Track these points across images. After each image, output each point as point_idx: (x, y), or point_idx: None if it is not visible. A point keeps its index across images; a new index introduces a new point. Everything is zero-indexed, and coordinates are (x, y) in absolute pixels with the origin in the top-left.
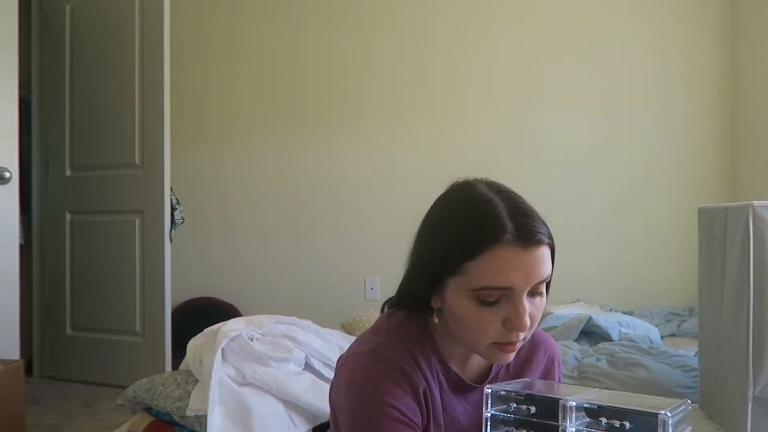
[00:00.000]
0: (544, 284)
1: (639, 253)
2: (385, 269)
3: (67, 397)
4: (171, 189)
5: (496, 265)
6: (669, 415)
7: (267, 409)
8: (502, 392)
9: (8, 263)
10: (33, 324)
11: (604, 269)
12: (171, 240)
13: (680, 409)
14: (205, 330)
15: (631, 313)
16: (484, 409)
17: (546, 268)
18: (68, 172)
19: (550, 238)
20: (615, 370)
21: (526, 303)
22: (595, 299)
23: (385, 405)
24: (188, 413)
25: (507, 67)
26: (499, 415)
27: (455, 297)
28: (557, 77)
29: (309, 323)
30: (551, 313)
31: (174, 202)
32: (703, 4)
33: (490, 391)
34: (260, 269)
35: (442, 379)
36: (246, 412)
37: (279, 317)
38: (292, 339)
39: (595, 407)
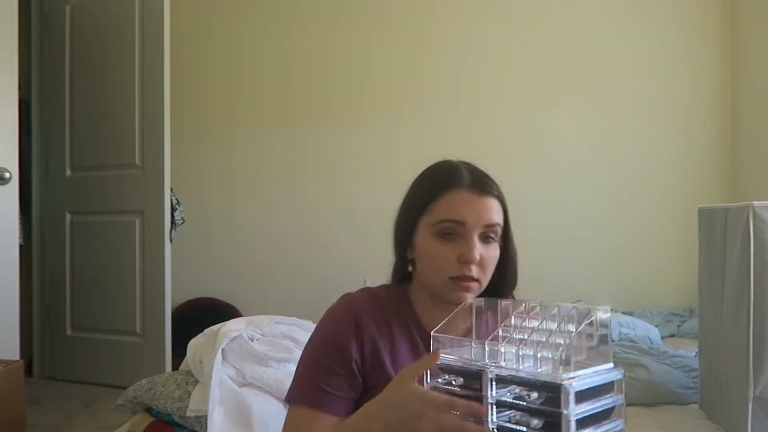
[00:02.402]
0: (496, 235)
1: (639, 253)
2: (386, 269)
3: (67, 398)
4: (171, 189)
5: (453, 203)
6: (573, 386)
7: (267, 410)
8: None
9: (8, 263)
10: (33, 324)
11: (604, 269)
12: (171, 240)
13: (600, 375)
14: (206, 330)
15: (631, 314)
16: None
17: (495, 215)
18: (68, 173)
19: (503, 200)
20: None
21: (478, 244)
22: (595, 299)
23: (328, 339)
24: (188, 413)
25: (510, 67)
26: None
27: (422, 236)
28: (557, 77)
29: (309, 323)
30: None
31: (174, 202)
32: (703, 5)
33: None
34: (260, 270)
35: (419, 341)
36: (246, 413)
37: (279, 317)
38: (293, 339)
39: (508, 376)
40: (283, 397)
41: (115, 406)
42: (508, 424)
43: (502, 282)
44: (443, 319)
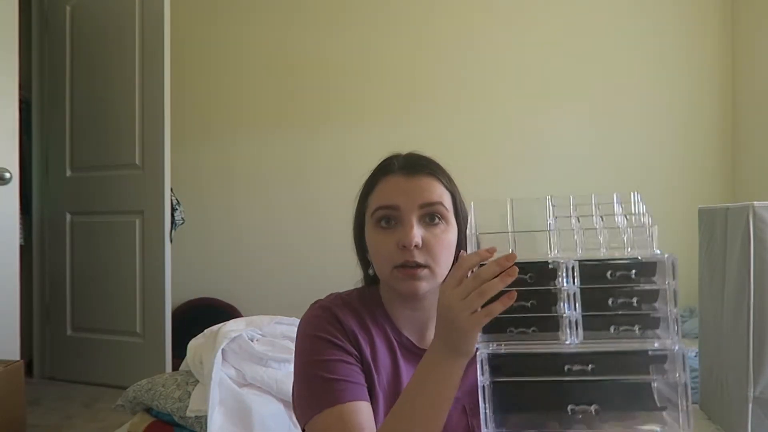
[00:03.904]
0: (443, 216)
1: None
2: None
3: (68, 398)
4: (171, 190)
5: (385, 190)
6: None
7: (267, 410)
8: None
9: (8, 264)
10: (33, 325)
11: None
12: (171, 241)
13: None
14: (206, 331)
15: None
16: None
17: (432, 194)
18: (68, 173)
19: (446, 180)
20: None
21: (418, 227)
22: None
23: (318, 338)
24: (188, 414)
25: (510, 68)
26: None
27: (367, 232)
28: (557, 78)
29: None
30: None
31: (174, 202)
32: (703, 5)
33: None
34: (260, 270)
35: (395, 344)
36: (246, 413)
37: (279, 318)
38: (293, 339)
39: (595, 261)
40: (282, 397)
41: (115, 406)
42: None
43: None
44: (414, 318)
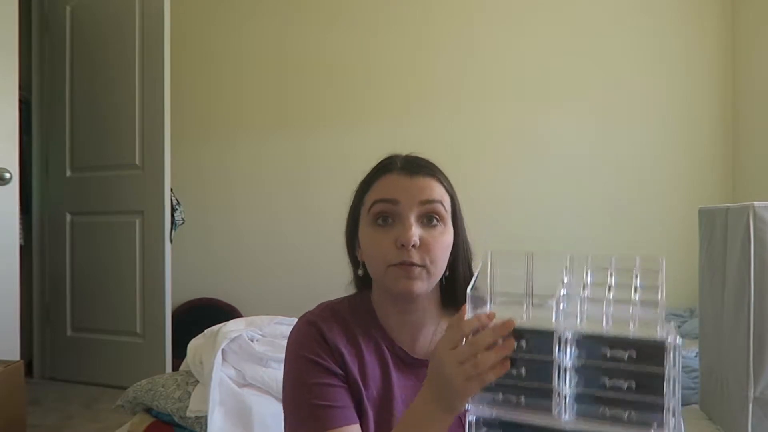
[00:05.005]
0: (441, 217)
1: (639, 253)
2: None
3: (68, 398)
4: (171, 190)
5: (385, 185)
6: (678, 341)
7: (267, 410)
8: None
9: (8, 264)
10: (33, 325)
11: None
12: (171, 241)
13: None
14: (206, 331)
15: None
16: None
17: (433, 192)
18: (68, 173)
19: (445, 183)
20: None
21: (416, 225)
22: None
23: (304, 359)
24: (188, 414)
25: (510, 68)
26: None
27: (362, 230)
28: (557, 78)
29: None
30: None
31: (174, 203)
32: (703, 5)
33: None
34: (260, 270)
35: (387, 354)
36: (246, 413)
37: (279, 318)
38: None
39: (596, 336)
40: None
41: (115, 406)
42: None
43: (452, 275)
44: (406, 323)
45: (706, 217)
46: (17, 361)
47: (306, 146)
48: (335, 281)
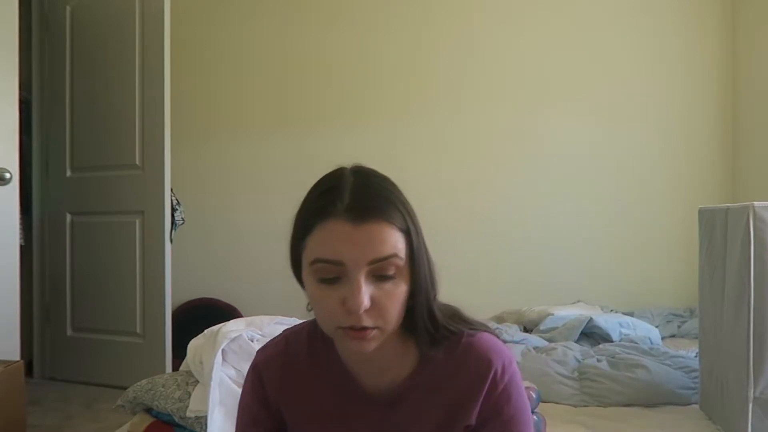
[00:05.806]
0: (397, 268)
1: (639, 253)
2: None
3: (68, 398)
4: (171, 190)
5: (325, 238)
6: None
7: None
8: None
9: (8, 264)
10: (33, 325)
11: (604, 270)
12: (171, 241)
13: None
14: (206, 331)
15: (631, 314)
16: None
17: (383, 246)
18: (68, 173)
19: (402, 218)
20: (615, 371)
21: (367, 285)
22: (595, 300)
23: (243, 408)
24: (188, 414)
25: (510, 68)
26: None
27: (305, 277)
28: (557, 79)
29: None
30: (551, 315)
31: (174, 203)
32: (703, 5)
33: None
34: (260, 270)
35: (345, 390)
36: None
37: (279, 318)
38: None
39: None
40: None
41: (115, 406)
42: None
43: (411, 326)
44: (370, 362)
45: (706, 217)
46: (17, 361)
47: (306, 146)
48: None
